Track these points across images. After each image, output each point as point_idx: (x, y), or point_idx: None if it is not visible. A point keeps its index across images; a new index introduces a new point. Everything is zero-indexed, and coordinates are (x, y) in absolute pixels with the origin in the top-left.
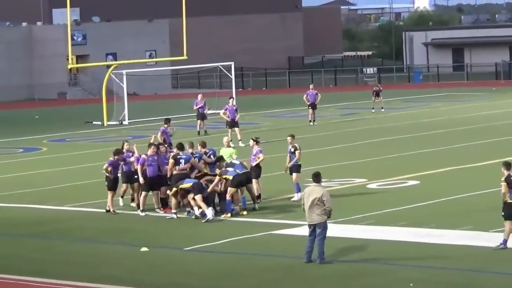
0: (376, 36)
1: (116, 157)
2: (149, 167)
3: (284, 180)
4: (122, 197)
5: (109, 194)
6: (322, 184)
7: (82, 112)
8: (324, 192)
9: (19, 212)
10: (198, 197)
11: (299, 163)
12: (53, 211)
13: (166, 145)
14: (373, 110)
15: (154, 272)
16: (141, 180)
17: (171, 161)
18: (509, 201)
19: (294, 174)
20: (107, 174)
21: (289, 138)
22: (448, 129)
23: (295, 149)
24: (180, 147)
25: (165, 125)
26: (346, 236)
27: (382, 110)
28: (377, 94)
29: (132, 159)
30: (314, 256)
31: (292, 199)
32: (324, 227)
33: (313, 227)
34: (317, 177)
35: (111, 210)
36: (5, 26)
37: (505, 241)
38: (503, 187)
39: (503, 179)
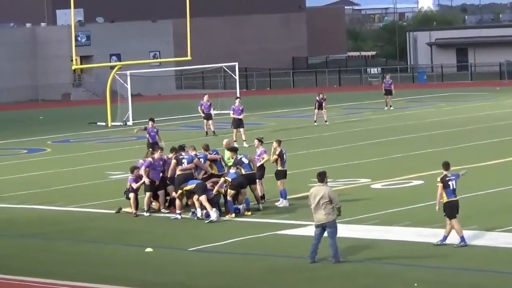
0: (380, 36)
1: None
2: (154, 170)
3: (287, 180)
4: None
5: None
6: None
7: (86, 113)
8: (329, 191)
9: (23, 213)
10: (203, 198)
11: (285, 168)
12: (57, 211)
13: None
14: (386, 108)
15: (158, 272)
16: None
17: (173, 161)
18: (446, 200)
19: (280, 180)
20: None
21: (275, 143)
22: (452, 129)
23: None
24: (172, 149)
25: (149, 124)
26: (350, 236)
27: (385, 108)
28: (389, 92)
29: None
30: (319, 256)
31: (277, 203)
32: (333, 225)
33: (321, 228)
34: (321, 176)
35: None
36: (9, 27)
37: (445, 238)
38: (439, 188)
39: (439, 179)
